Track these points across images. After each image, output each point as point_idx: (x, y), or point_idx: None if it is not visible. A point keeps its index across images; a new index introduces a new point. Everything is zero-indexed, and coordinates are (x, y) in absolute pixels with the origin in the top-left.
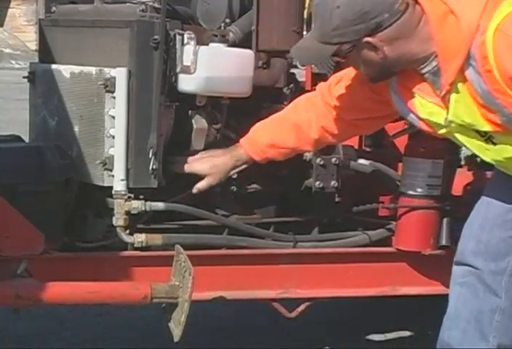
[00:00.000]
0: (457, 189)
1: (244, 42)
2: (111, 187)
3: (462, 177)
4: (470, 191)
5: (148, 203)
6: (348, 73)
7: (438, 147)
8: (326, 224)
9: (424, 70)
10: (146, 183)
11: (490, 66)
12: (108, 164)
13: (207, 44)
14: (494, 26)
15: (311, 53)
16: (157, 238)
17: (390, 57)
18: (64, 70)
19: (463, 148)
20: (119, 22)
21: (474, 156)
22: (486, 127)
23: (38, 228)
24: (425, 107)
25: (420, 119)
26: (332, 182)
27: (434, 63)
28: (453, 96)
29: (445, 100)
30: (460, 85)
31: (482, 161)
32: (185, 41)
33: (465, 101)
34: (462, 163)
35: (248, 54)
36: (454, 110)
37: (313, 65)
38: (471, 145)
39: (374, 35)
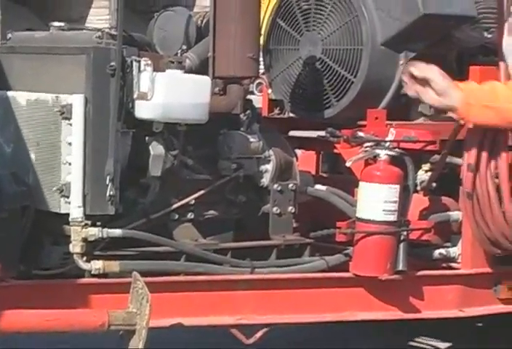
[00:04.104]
0: (413, 214)
1: (200, 68)
2: (68, 214)
3: (418, 203)
4: (426, 216)
5: (105, 230)
6: None
7: (394, 173)
8: (284, 249)
9: None
10: (103, 210)
11: None
12: (64, 191)
13: (164, 71)
14: None
15: None
16: (114, 265)
17: None
18: (20, 97)
19: (419, 174)
20: (75, 48)
21: (430, 182)
22: None
23: None
24: None
25: None
26: (289, 208)
27: None
28: None
29: None
30: None
31: (438, 186)
32: (142, 67)
33: None
34: (418, 188)
35: (204, 80)
36: None
37: (269, 91)
38: None
39: None
